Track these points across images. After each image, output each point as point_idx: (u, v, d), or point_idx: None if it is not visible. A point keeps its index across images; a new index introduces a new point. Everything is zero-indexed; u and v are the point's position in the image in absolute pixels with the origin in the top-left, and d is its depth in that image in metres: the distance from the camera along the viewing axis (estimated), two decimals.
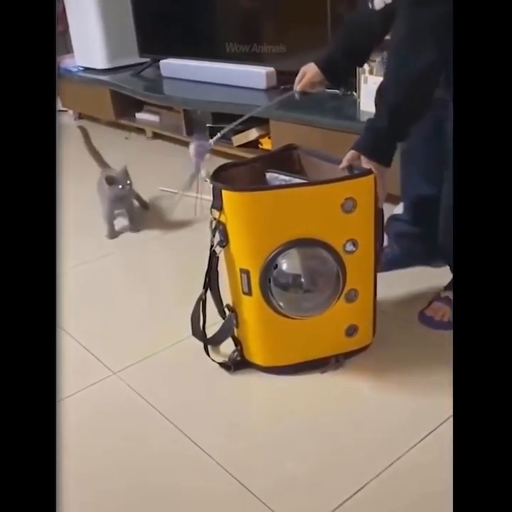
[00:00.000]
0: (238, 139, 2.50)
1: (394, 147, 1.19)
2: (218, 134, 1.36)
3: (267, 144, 2.40)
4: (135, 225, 2.01)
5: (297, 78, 1.44)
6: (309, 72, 1.42)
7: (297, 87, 1.44)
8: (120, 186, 1.88)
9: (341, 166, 1.21)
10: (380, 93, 1.17)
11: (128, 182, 1.91)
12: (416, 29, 1.11)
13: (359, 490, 1.01)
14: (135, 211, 2.03)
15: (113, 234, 1.99)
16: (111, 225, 1.99)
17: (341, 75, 1.47)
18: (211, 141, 1.36)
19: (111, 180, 1.88)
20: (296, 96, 1.46)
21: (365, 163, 1.17)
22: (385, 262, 1.58)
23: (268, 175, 1.30)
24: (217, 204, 1.19)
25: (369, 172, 1.17)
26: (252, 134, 2.46)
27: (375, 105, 1.18)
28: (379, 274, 1.31)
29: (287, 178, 1.26)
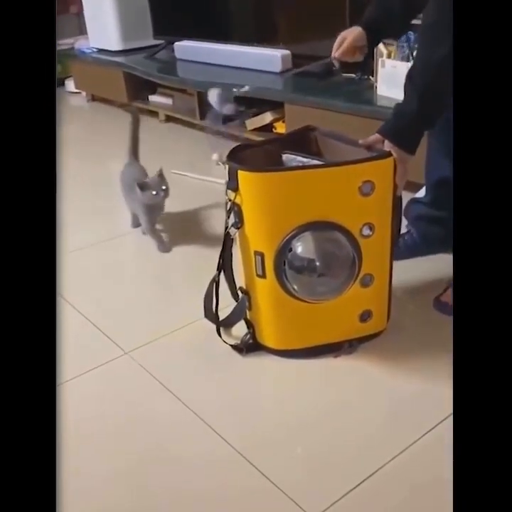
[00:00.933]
0: (252, 123, 2.47)
1: (420, 134, 1.16)
2: (246, 87, 1.32)
3: (281, 128, 2.38)
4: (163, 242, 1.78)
5: (336, 44, 1.38)
6: (351, 35, 1.36)
7: (336, 53, 1.37)
8: (154, 192, 1.68)
9: (360, 141, 1.19)
10: (410, 77, 1.15)
11: (163, 187, 1.70)
12: (447, 13, 1.08)
13: (368, 477, 1.00)
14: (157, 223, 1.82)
15: (165, 247, 1.77)
16: (159, 237, 1.78)
17: (385, 38, 1.40)
18: (235, 90, 1.31)
19: (144, 186, 1.68)
20: (335, 64, 1.39)
21: (388, 148, 1.15)
22: (403, 249, 1.57)
23: (285, 156, 1.28)
24: (233, 185, 1.17)
25: (388, 154, 1.15)
26: (267, 117, 2.44)
27: (404, 90, 1.16)
28: (395, 261, 1.30)
29: (304, 159, 1.24)
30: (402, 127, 1.16)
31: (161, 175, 1.71)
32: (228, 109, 1.26)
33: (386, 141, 1.16)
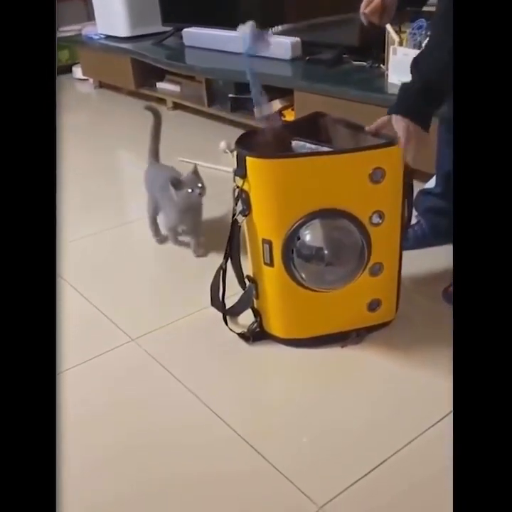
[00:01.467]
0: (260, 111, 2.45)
1: (429, 107, 1.14)
2: (280, 27, 1.26)
3: (290, 116, 2.36)
4: (200, 247, 1.65)
5: (365, 1, 1.31)
6: None
7: (366, 9, 1.30)
8: (189, 190, 1.54)
9: (368, 128, 1.17)
10: (416, 62, 1.14)
11: (199, 185, 1.56)
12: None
13: (373, 469, 1.00)
14: (201, 227, 1.67)
15: (176, 241, 1.70)
16: (174, 238, 1.71)
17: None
18: (271, 30, 1.23)
19: (178, 184, 1.55)
20: (363, 21, 1.33)
21: (399, 125, 1.12)
22: (412, 240, 1.56)
23: (294, 143, 1.26)
24: (241, 171, 1.16)
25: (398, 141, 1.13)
26: (275, 105, 2.41)
27: (411, 72, 1.14)
28: (404, 252, 1.28)
29: (314, 146, 1.23)
30: (411, 100, 1.13)
31: (195, 172, 1.58)
32: (265, 45, 1.16)
33: (396, 117, 1.13)
